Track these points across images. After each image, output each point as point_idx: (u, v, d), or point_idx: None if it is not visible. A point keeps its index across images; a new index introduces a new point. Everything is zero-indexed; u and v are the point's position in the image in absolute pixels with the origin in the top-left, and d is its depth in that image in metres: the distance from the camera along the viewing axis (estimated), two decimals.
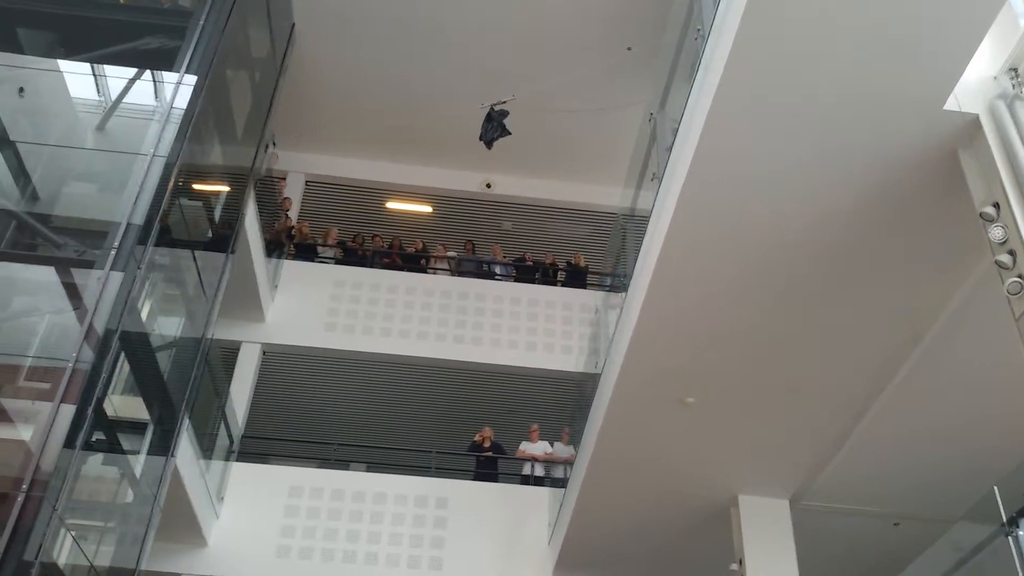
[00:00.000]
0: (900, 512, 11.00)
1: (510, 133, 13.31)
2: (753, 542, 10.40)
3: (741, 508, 10.60)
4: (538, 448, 13.92)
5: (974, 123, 6.10)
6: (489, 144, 13.34)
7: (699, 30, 7.13)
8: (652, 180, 8.52)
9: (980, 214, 5.88)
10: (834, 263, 7.44)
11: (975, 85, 6.12)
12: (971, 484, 9.65)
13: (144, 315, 8.71)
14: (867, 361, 8.49)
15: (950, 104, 6.08)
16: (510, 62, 14.39)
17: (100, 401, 7.46)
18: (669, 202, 7.35)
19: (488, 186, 15.01)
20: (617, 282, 10.71)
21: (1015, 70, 6.06)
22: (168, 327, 9.92)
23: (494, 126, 13.26)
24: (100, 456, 8.41)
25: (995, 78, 6.14)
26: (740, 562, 10.36)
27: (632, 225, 10.02)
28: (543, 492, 13.19)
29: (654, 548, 11.78)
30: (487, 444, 14.06)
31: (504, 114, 13.23)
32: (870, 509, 10.93)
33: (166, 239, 8.82)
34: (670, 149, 7.65)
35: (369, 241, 16.61)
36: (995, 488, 7.71)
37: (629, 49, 13.73)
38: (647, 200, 8.61)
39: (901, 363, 8.46)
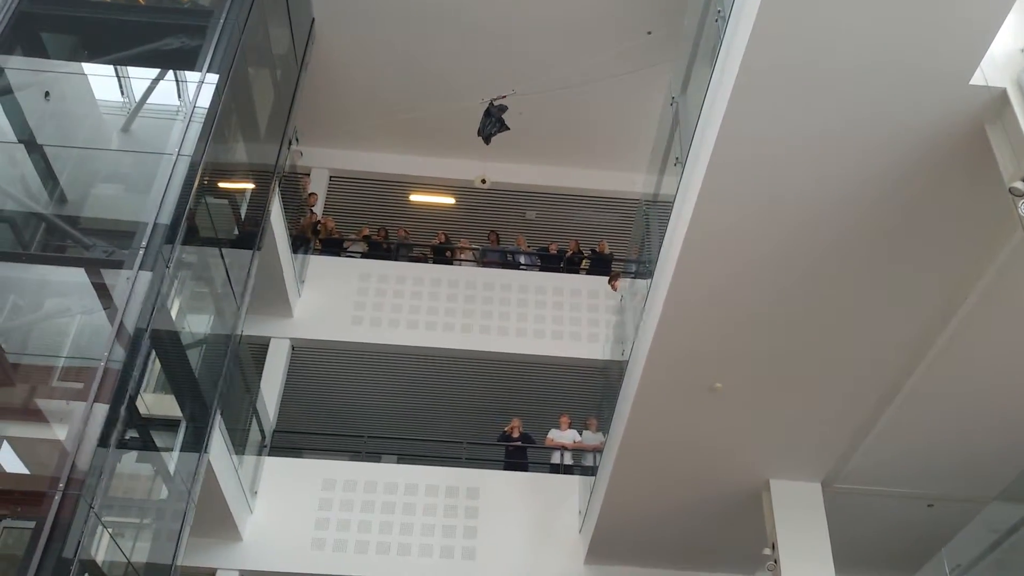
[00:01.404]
0: (933, 493, 10.90)
1: (508, 128, 13.35)
2: (785, 526, 10.35)
3: (773, 492, 10.55)
4: (567, 436, 13.93)
5: (1001, 97, 6.02)
6: (487, 139, 13.40)
7: (719, 12, 7.08)
8: (675, 165, 8.48)
9: (1009, 189, 5.80)
10: (860, 243, 7.37)
11: (1002, 59, 6.04)
12: (1005, 463, 9.57)
13: (174, 313, 8.80)
14: (897, 341, 8.41)
15: (976, 78, 6.00)
16: (530, 50, 14.38)
17: (132, 399, 7.54)
18: (693, 186, 7.31)
19: (483, 181, 14.97)
20: (642, 268, 10.67)
21: None
22: (198, 324, 10.01)
23: (492, 121, 13.31)
24: (134, 454, 8.51)
25: (1022, 51, 6.05)
26: (773, 546, 10.32)
27: (656, 211, 9.98)
28: (573, 480, 13.21)
29: (686, 533, 11.76)
30: (516, 435, 14.09)
31: (503, 109, 13.26)
32: (903, 490, 10.85)
33: (193, 237, 8.90)
34: (693, 132, 7.61)
35: (394, 235, 16.67)
36: None
37: (649, 33, 13.66)
38: (670, 185, 8.57)
39: (932, 342, 8.38)
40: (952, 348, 8.36)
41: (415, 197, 17.95)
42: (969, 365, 8.62)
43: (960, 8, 5.64)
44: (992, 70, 6.00)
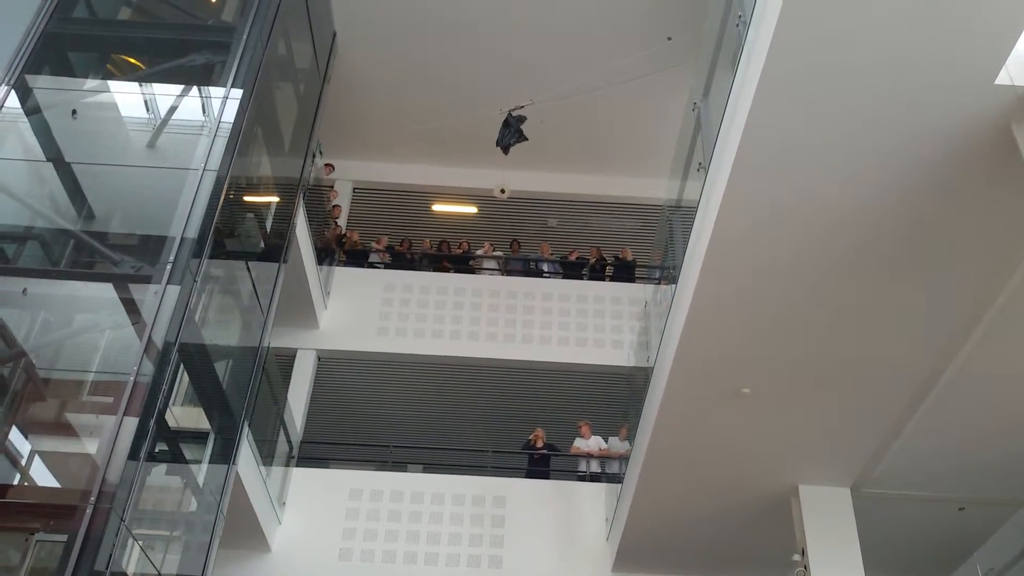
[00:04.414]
0: (965, 496, 10.78)
1: (526, 139, 13.42)
2: (815, 532, 10.28)
3: (802, 498, 10.48)
4: (592, 443, 13.90)
5: None
6: (506, 150, 13.49)
7: (740, 16, 7.07)
8: (698, 170, 8.46)
9: None
10: (887, 243, 7.32)
11: None
12: None
13: (201, 327, 8.86)
14: (925, 342, 8.34)
15: (1002, 78, 5.95)
16: (550, 58, 14.41)
17: (162, 412, 7.60)
18: (716, 191, 7.30)
19: (503, 192, 15.02)
20: (666, 274, 10.65)
21: None
22: (225, 337, 10.08)
23: (511, 132, 13.40)
24: (164, 466, 8.56)
25: None
26: (802, 552, 10.25)
27: (679, 217, 9.96)
28: (600, 488, 13.17)
29: (714, 540, 11.70)
30: (539, 444, 14.06)
31: (522, 120, 13.34)
32: (934, 494, 10.74)
33: (220, 251, 8.96)
34: (716, 137, 7.59)
35: (418, 245, 16.73)
36: None
37: (669, 39, 13.65)
38: (694, 190, 8.56)
39: (961, 344, 8.30)
40: (982, 349, 8.28)
41: (437, 207, 18.01)
42: (999, 366, 8.54)
43: (984, 7, 5.60)
44: (1018, 69, 5.96)
